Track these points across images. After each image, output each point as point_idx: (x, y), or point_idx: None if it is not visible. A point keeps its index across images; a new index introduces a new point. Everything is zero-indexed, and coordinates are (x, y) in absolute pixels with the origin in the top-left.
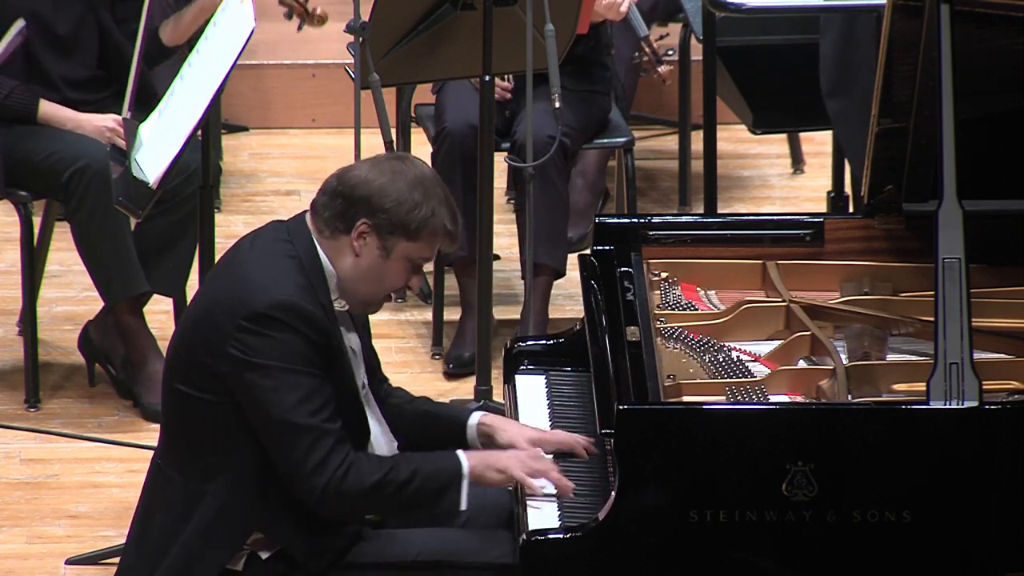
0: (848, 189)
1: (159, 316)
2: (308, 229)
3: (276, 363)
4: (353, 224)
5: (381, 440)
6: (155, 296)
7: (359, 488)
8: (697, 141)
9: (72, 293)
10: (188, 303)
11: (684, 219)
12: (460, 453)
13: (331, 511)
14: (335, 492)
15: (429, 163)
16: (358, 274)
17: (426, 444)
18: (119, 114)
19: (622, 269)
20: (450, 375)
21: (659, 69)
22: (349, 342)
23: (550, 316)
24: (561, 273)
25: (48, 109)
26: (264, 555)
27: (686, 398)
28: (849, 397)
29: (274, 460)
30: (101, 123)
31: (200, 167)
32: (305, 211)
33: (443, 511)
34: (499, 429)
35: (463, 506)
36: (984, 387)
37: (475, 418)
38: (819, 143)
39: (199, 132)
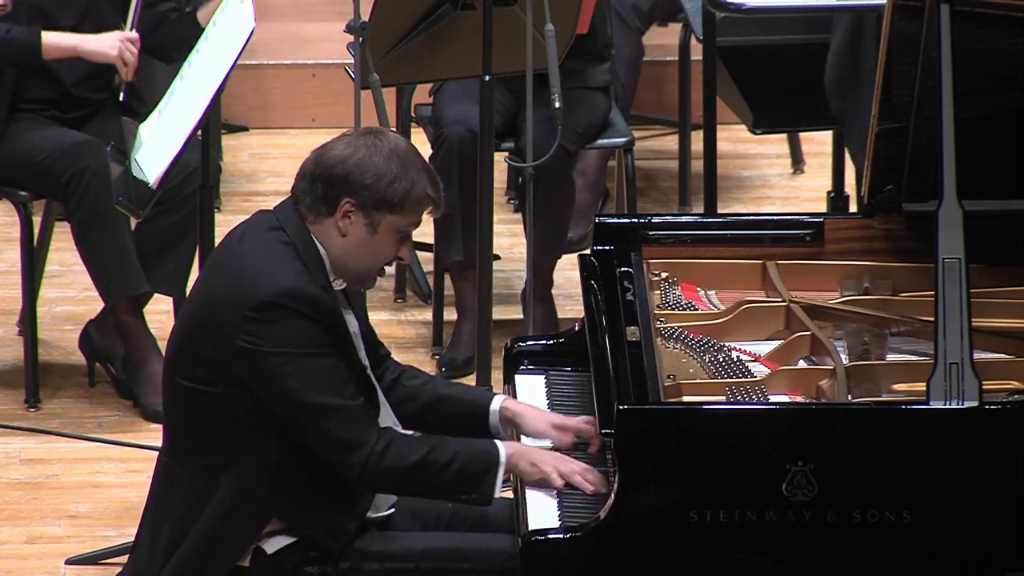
0: (851, 189)
1: (159, 316)
2: (296, 215)
3: (290, 349)
4: (336, 205)
5: (387, 420)
6: (155, 296)
7: (400, 466)
8: (697, 141)
9: (72, 293)
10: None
11: (684, 219)
12: (499, 441)
13: (371, 488)
14: (375, 468)
15: None
16: (348, 252)
17: (444, 428)
18: (116, 118)
19: (622, 269)
20: (443, 378)
21: None
22: (349, 324)
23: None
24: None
25: (52, 39)
26: (270, 550)
27: (686, 398)
28: (849, 397)
29: (310, 443)
30: (111, 37)
31: (200, 167)
32: (289, 197)
33: (477, 497)
34: (522, 415)
35: (496, 495)
36: (984, 387)
37: (497, 403)
38: (819, 143)
39: (199, 132)
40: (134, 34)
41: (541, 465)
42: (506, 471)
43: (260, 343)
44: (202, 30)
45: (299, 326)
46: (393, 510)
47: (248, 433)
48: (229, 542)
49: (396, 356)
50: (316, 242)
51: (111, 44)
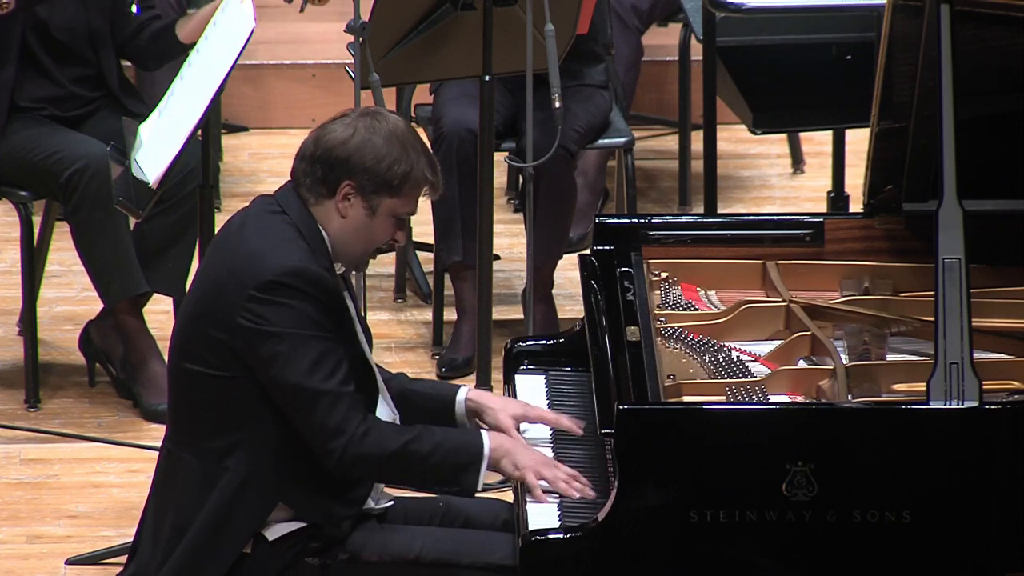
0: (851, 189)
1: (159, 316)
2: (297, 197)
3: (288, 329)
4: (336, 187)
5: (384, 408)
6: (155, 296)
7: (379, 454)
8: (697, 141)
9: (72, 293)
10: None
11: (684, 219)
12: (484, 433)
13: (350, 474)
14: (354, 455)
15: None
16: (347, 235)
17: (413, 422)
18: (113, 118)
19: (622, 269)
20: (443, 378)
21: None
22: (350, 308)
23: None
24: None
25: None
26: (272, 537)
27: (686, 398)
28: (849, 397)
29: (294, 425)
30: None
31: (199, 166)
32: (289, 182)
33: (460, 490)
34: (486, 407)
35: (479, 488)
36: (984, 387)
37: (462, 394)
38: (819, 143)
39: (199, 132)
40: None
41: (523, 470)
42: (489, 466)
43: (261, 322)
44: (179, 41)
45: (301, 307)
46: (392, 503)
47: (255, 416)
48: (236, 526)
49: (396, 356)
50: (319, 224)
51: None
